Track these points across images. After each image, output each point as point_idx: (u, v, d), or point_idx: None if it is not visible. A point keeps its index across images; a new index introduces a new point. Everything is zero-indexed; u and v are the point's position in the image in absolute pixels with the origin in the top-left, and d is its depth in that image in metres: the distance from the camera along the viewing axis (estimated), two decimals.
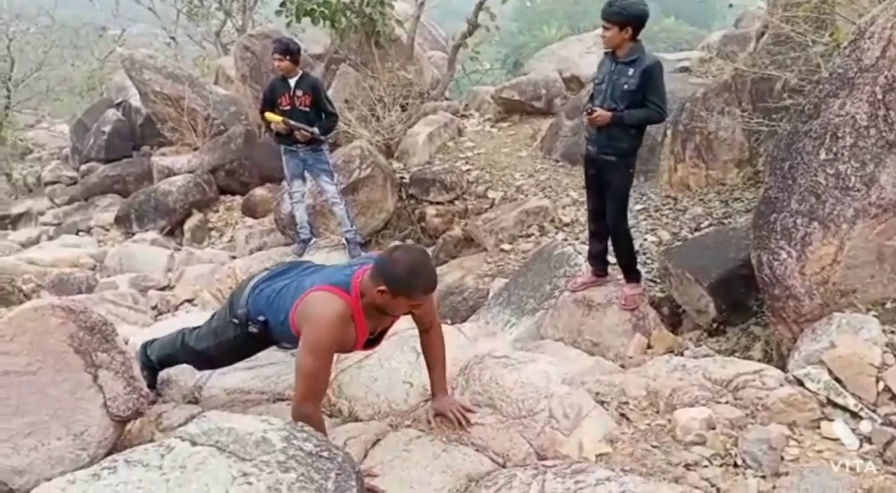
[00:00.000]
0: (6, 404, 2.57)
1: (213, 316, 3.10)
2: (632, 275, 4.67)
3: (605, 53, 4.34)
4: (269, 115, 5.90)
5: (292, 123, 5.82)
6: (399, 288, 2.44)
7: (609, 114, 4.19)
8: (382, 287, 2.43)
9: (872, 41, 3.40)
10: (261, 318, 2.77)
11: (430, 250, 7.28)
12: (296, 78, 5.93)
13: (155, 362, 3.28)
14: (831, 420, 2.84)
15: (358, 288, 2.52)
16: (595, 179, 4.51)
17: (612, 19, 4.06)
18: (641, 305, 4.62)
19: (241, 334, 2.89)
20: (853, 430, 2.81)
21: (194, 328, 3.16)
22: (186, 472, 1.78)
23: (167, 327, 4.45)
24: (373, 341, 2.79)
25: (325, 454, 1.95)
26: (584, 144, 4.59)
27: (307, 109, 5.91)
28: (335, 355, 2.72)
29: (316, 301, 2.50)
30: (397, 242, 2.76)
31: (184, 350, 3.14)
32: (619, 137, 4.24)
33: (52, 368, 2.65)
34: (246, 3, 15.24)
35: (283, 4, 9.08)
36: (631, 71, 4.12)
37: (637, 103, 4.15)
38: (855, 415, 2.87)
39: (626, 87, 4.14)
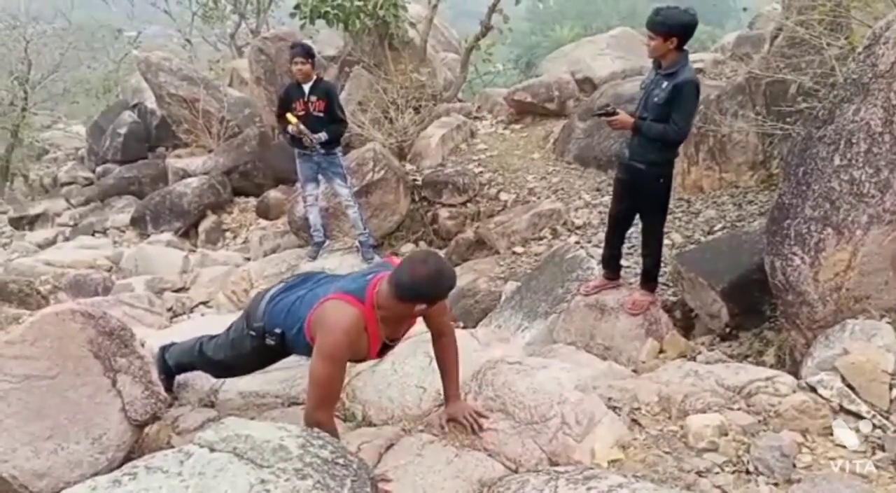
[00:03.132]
0: (27, 407, 2.62)
1: (230, 327, 3.11)
2: (649, 283, 4.66)
3: (653, 61, 4.26)
4: (289, 115, 5.95)
5: (301, 127, 5.87)
6: (417, 298, 2.49)
7: (631, 120, 4.17)
8: (400, 297, 2.47)
9: (888, 47, 3.38)
10: (277, 330, 2.79)
11: (442, 253, 7.31)
12: (310, 83, 5.97)
13: (172, 367, 3.32)
14: (843, 428, 2.83)
15: (372, 297, 2.54)
16: (624, 183, 4.47)
17: (656, 29, 3.97)
18: (653, 310, 4.62)
19: (259, 346, 2.91)
20: (866, 437, 2.81)
21: (212, 338, 3.18)
22: (205, 479, 1.81)
23: (183, 329, 4.52)
24: (386, 347, 2.81)
25: (340, 461, 1.98)
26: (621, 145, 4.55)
27: (321, 115, 5.96)
28: (348, 364, 2.74)
29: (330, 309, 2.52)
30: (414, 251, 2.75)
31: (201, 359, 3.17)
32: (646, 147, 4.18)
33: (71, 372, 2.70)
34: (260, 5, 15.31)
35: (297, 7, 9.13)
36: (665, 84, 4.03)
37: (664, 117, 4.05)
38: (864, 420, 2.87)
39: (656, 99, 4.06)
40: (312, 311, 2.58)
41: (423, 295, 2.50)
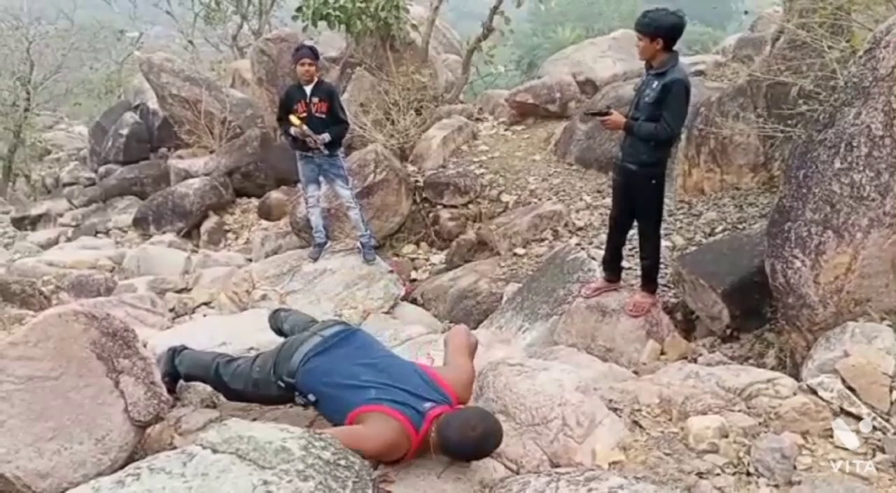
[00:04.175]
0: (30, 408, 2.62)
1: (255, 359, 3.06)
2: (649, 284, 4.67)
3: (645, 62, 4.29)
4: (292, 116, 5.94)
5: (305, 129, 5.88)
6: (462, 458, 2.62)
7: (623, 120, 4.20)
8: (447, 453, 2.57)
9: (888, 50, 3.39)
10: (311, 397, 2.79)
11: (443, 254, 7.33)
12: (312, 85, 5.97)
13: (182, 375, 3.31)
14: (843, 430, 2.84)
15: (427, 431, 2.56)
16: (621, 186, 4.51)
17: (642, 31, 4.03)
18: (654, 312, 4.62)
19: (284, 396, 2.92)
20: (867, 439, 2.82)
21: (230, 360, 3.15)
22: (208, 480, 1.82)
23: (186, 330, 4.53)
24: None
25: (342, 462, 1.99)
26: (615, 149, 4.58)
27: (323, 116, 5.97)
28: None
29: (386, 423, 2.54)
30: (466, 410, 2.77)
31: (216, 380, 3.14)
32: (638, 148, 4.21)
33: (74, 373, 2.71)
34: (262, 6, 15.34)
35: (299, 9, 9.16)
36: (655, 83, 4.07)
37: (655, 117, 4.08)
38: (864, 422, 2.88)
39: (647, 99, 4.10)
40: (363, 407, 2.59)
41: (468, 457, 2.61)
